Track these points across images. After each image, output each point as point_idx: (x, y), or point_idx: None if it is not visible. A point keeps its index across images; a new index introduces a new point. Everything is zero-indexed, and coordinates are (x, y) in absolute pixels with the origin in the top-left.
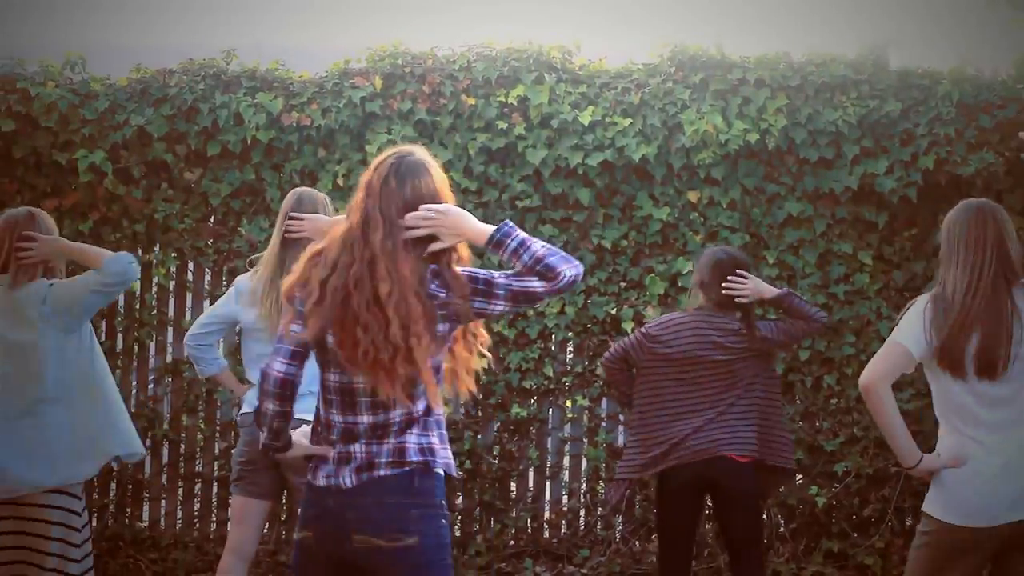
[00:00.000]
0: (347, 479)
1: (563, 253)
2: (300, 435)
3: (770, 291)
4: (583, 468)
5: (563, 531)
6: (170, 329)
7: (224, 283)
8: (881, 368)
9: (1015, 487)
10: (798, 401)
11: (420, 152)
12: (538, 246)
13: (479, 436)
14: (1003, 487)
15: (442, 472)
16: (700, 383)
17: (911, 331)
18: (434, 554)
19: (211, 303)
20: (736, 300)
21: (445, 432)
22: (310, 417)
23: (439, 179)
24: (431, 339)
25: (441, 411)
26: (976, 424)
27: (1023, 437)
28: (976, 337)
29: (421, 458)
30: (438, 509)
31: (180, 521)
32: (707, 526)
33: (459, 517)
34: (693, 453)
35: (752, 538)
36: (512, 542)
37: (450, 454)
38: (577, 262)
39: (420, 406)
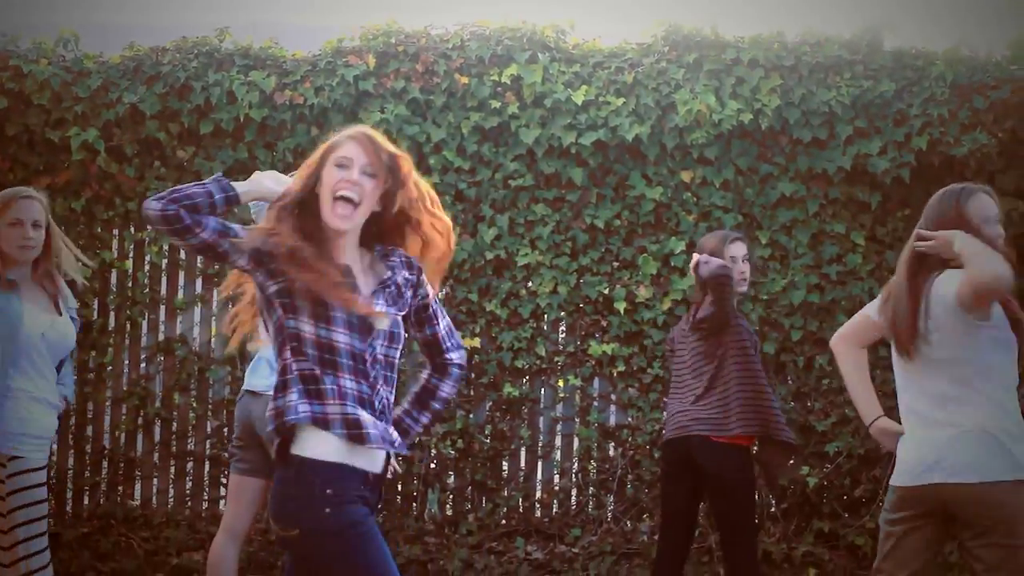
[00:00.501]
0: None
1: (169, 191)
2: None
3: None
4: (575, 448)
5: (554, 510)
6: (162, 307)
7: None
8: (845, 331)
9: (934, 453)
10: (790, 381)
11: (337, 134)
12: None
13: (471, 415)
14: (924, 451)
15: (311, 455)
16: (687, 364)
17: (876, 302)
18: (316, 545)
19: (203, 282)
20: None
21: (312, 386)
22: None
23: (315, 154)
24: (254, 291)
25: (298, 364)
26: (910, 394)
27: (948, 413)
28: (891, 314)
29: (278, 422)
30: (317, 499)
31: (172, 499)
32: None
33: (451, 496)
34: (673, 431)
35: (730, 520)
36: (503, 521)
37: (309, 407)
38: (160, 198)
39: (284, 360)
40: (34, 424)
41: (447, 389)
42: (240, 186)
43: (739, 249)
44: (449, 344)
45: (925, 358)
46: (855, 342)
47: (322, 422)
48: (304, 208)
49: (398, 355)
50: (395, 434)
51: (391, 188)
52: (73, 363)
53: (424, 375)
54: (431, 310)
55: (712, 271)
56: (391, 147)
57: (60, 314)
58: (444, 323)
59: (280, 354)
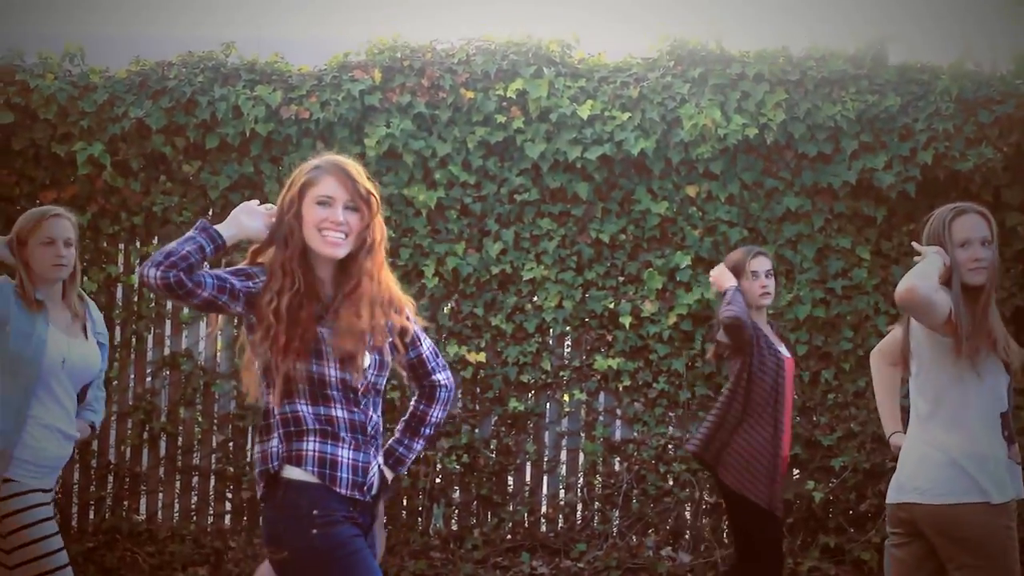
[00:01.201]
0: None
1: (164, 254)
2: None
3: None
4: (580, 462)
5: (560, 525)
6: (168, 322)
7: None
8: (880, 347)
9: (907, 473)
10: (795, 396)
11: (308, 167)
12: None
13: (476, 430)
14: (902, 470)
15: (297, 477)
16: None
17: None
18: (305, 567)
19: None
20: None
21: (293, 428)
22: None
23: (291, 190)
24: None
25: (284, 409)
26: (910, 411)
27: (924, 431)
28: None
29: (263, 467)
30: (303, 520)
31: (177, 514)
32: (703, 520)
33: (456, 511)
34: None
35: (744, 537)
36: (509, 536)
37: (287, 450)
38: (157, 265)
39: (267, 403)
40: (38, 452)
41: (436, 414)
42: (225, 231)
43: (762, 264)
44: (434, 365)
45: (914, 374)
46: (888, 359)
47: (296, 459)
48: (289, 244)
49: (384, 381)
50: (376, 469)
51: (368, 223)
52: (102, 390)
53: (412, 402)
54: (413, 333)
55: (723, 320)
56: (366, 181)
57: (87, 337)
58: (427, 344)
59: (265, 394)
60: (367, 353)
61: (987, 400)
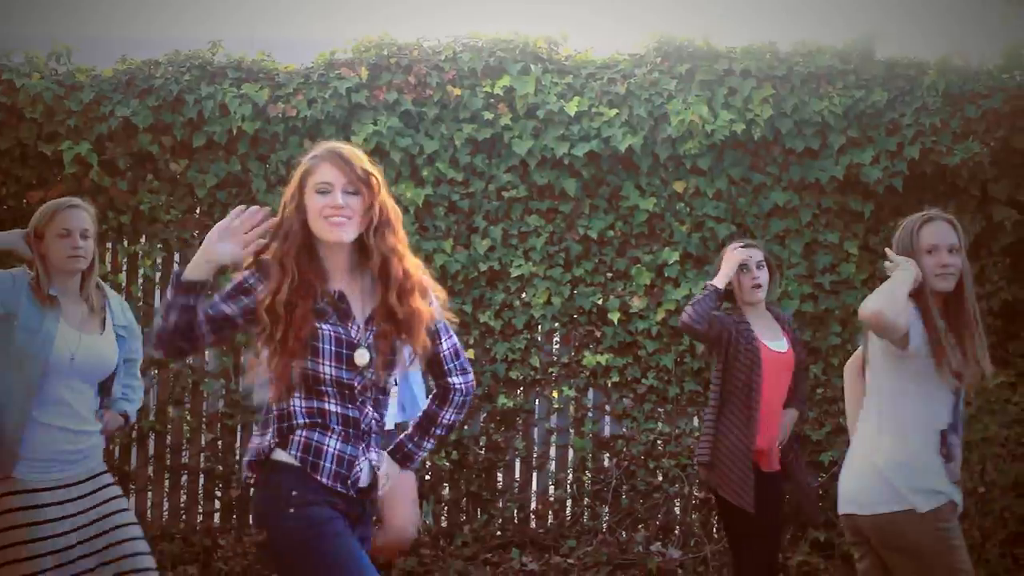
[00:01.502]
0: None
1: (158, 338)
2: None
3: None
4: (570, 458)
5: (550, 521)
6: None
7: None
8: (851, 359)
9: (844, 484)
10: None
11: (307, 156)
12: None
13: (465, 427)
14: (840, 481)
15: (282, 459)
16: None
17: None
18: (282, 548)
19: None
20: None
21: (286, 423)
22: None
23: (293, 181)
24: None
25: (281, 405)
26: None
27: (864, 441)
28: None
29: (255, 458)
30: (281, 500)
31: (166, 513)
32: (693, 516)
33: (446, 507)
34: None
35: (730, 535)
36: (499, 532)
37: (288, 442)
38: (159, 345)
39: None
40: (37, 447)
41: (449, 416)
42: (198, 273)
43: (752, 256)
44: (451, 366)
45: (867, 384)
46: (860, 370)
47: (282, 443)
48: (289, 237)
49: (393, 378)
50: (365, 465)
51: (371, 202)
52: (137, 379)
53: (427, 400)
54: (434, 328)
55: (680, 325)
56: (365, 163)
57: (103, 331)
58: (448, 344)
59: (263, 389)
60: (366, 351)
61: (928, 415)
